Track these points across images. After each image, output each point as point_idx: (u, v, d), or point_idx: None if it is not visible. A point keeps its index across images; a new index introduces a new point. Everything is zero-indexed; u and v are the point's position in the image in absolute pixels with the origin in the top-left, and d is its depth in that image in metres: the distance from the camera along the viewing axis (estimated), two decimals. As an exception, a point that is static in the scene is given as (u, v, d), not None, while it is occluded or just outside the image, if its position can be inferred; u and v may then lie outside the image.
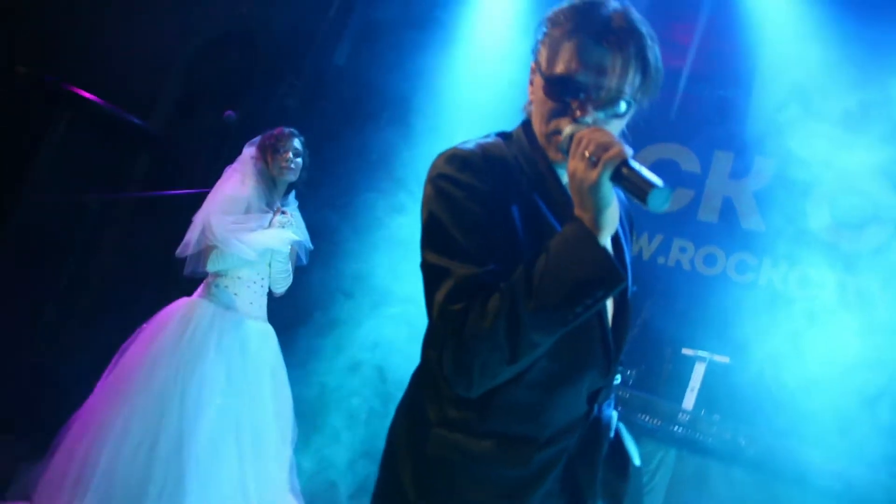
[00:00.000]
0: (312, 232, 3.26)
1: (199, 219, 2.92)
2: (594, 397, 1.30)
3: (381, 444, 1.35)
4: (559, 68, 1.24)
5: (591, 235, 1.14)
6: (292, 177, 3.05)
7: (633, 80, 1.24)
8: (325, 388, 3.92)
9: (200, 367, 2.71)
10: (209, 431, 2.64)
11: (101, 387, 2.86)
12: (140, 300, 3.20)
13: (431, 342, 1.27)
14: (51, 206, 3.55)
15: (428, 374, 1.30)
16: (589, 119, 1.22)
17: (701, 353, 3.18)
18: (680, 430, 3.13)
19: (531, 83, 1.34)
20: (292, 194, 3.16)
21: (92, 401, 2.84)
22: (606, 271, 1.12)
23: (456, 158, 1.25)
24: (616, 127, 1.28)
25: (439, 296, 1.17)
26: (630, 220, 1.48)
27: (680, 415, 3.15)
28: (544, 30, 1.31)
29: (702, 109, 3.86)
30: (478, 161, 1.24)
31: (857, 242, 3.47)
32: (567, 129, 1.19)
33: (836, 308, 3.46)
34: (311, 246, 3.22)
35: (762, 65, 3.75)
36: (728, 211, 3.76)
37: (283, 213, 3.00)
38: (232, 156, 3.17)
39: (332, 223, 3.91)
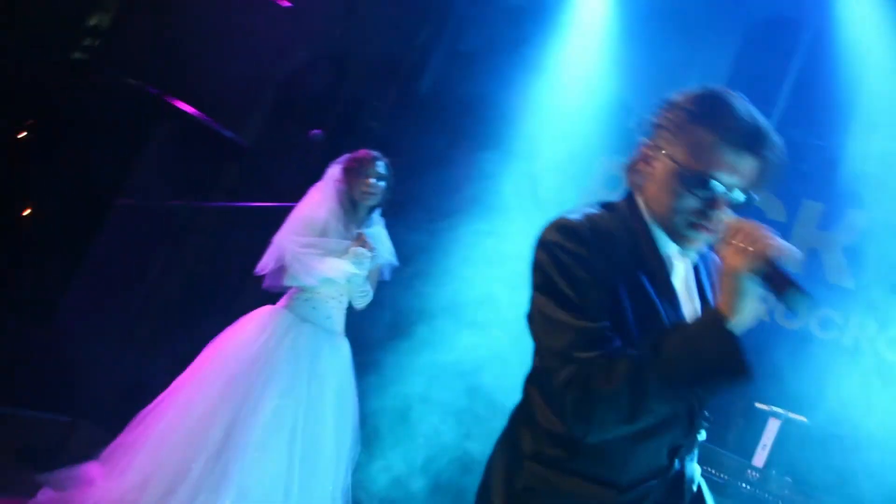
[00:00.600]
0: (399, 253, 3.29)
1: (277, 238, 3.01)
2: (675, 452, 1.39)
3: (456, 457, 1.42)
4: (699, 165, 1.33)
5: (727, 326, 1.22)
6: (374, 201, 3.08)
7: (759, 181, 1.36)
8: (407, 403, 3.97)
9: (268, 367, 2.78)
10: (262, 428, 2.68)
11: (176, 381, 2.99)
12: (221, 305, 3.33)
13: (536, 382, 1.40)
14: (143, 210, 3.77)
15: (528, 410, 1.41)
16: (719, 212, 1.32)
17: (777, 409, 3.04)
18: (748, 488, 2.99)
19: (647, 162, 1.41)
20: (376, 213, 3.17)
21: (165, 393, 2.97)
22: (735, 363, 1.21)
23: (565, 228, 1.34)
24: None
25: (559, 343, 1.28)
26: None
27: (749, 472, 3.02)
28: (668, 115, 1.39)
29: (791, 156, 3.69)
30: (585, 232, 1.33)
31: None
32: (726, 218, 1.30)
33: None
34: (396, 263, 3.24)
35: (859, 112, 3.59)
36: (814, 263, 3.60)
37: (364, 243, 2.99)
38: (316, 171, 3.27)
39: (416, 244, 3.96)
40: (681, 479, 1.41)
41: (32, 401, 3.67)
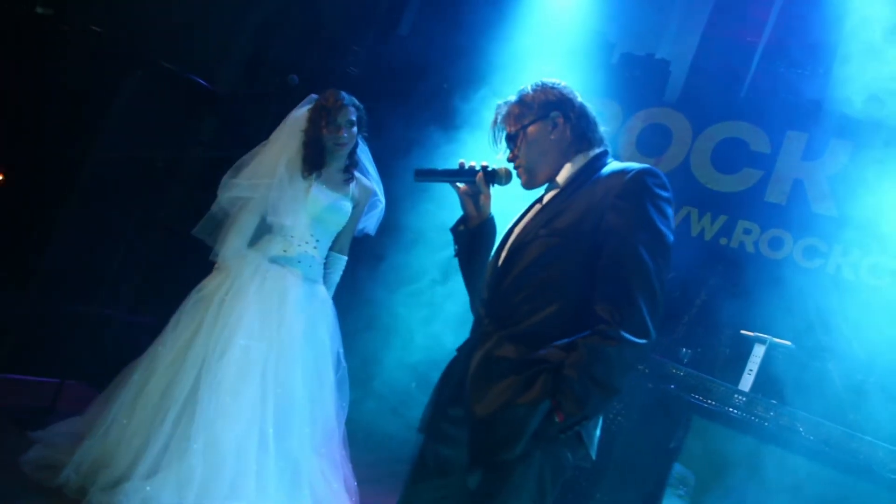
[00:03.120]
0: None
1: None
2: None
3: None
4: None
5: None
6: (346, 150, 2.92)
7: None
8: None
9: (236, 310, 2.73)
10: (231, 372, 2.66)
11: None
12: (206, 257, 3.28)
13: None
14: (118, 162, 3.67)
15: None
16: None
17: (761, 335, 3.09)
18: (736, 413, 3.06)
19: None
20: (359, 154, 3.05)
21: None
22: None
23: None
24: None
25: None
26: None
27: (736, 397, 3.08)
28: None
29: (775, 87, 3.69)
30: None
31: None
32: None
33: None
34: (381, 203, 3.17)
35: (844, 41, 3.56)
36: (798, 194, 3.62)
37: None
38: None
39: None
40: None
41: (19, 365, 3.63)
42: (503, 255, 1.81)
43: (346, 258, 3.08)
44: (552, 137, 1.85)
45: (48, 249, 3.78)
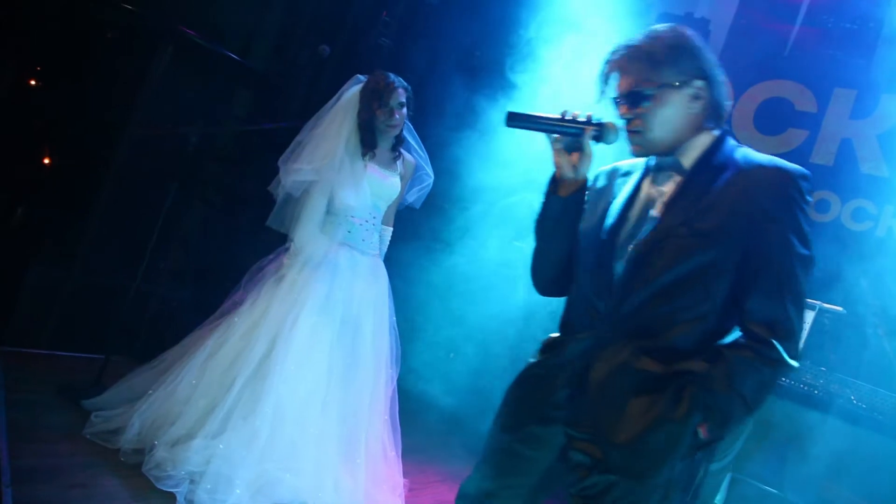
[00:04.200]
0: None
1: (285, 170, 2.96)
2: None
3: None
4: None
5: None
6: (397, 132, 3.05)
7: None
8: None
9: (306, 289, 2.86)
10: (300, 344, 2.79)
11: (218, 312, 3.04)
12: (244, 231, 3.31)
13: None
14: (153, 138, 3.69)
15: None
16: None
17: (811, 300, 3.01)
18: (784, 380, 3.00)
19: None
20: (406, 136, 3.16)
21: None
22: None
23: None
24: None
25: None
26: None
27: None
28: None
29: (822, 43, 3.54)
30: None
31: None
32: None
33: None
34: (430, 181, 3.28)
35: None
36: (846, 154, 3.48)
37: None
38: (328, 90, 3.17)
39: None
40: None
41: (64, 342, 3.70)
42: (625, 255, 1.61)
43: (391, 229, 3.21)
44: (690, 110, 1.62)
45: (89, 227, 3.84)
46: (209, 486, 2.50)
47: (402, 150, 3.15)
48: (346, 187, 2.92)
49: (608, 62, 1.65)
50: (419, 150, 3.25)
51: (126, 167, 3.79)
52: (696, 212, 1.55)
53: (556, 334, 1.74)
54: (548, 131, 1.65)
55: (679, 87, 1.59)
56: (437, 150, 4.12)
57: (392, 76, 2.99)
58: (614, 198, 1.71)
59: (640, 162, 1.75)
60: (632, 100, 1.61)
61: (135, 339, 3.74)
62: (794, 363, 1.51)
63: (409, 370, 3.31)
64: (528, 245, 4.15)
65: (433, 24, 4.38)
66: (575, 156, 1.67)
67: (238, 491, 2.51)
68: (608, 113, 1.64)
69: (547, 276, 1.83)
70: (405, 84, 3.02)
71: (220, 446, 2.57)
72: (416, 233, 4.13)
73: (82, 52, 3.84)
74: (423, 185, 3.30)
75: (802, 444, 3.24)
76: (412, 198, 3.30)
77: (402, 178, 3.15)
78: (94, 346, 3.62)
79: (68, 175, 3.94)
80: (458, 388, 4.23)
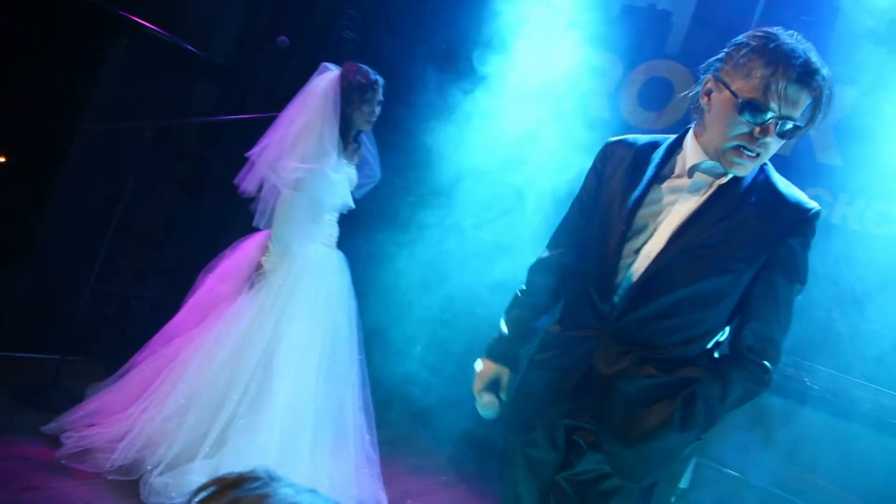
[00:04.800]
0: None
1: (264, 162, 2.88)
2: None
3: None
4: (754, 94, 1.50)
5: None
6: (370, 128, 3.04)
7: (809, 113, 1.54)
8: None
9: (292, 293, 2.82)
10: (294, 351, 2.75)
11: (187, 309, 2.96)
12: (206, 227, 3.24)
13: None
14: (109, 133, 3.58)
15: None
16: (769, 139, 1.52)
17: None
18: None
19: (707, 95, 1.61)
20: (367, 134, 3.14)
21: (178, 320, 2.96)
22: None
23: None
24: (778, 144, 1.57)
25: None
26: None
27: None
28: (731, 53, 1.58)
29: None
30: None
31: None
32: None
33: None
34: (378, 177, 3.26)
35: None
36: (803, 144, 3.56)
37: None
38: (291, 82, 3.10)
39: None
40: None
41: (19, 342, 3.59)
42: (639, 265, 1.61)
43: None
44: None
45: (43, 224, 3.72)
46: None
47: (360, 141, 3.12)
48: (333, 184, 2.90)
49: (808, 81, 1.49)
50: (370, 146, 3.21)
51: (81, 162, 3.68)
52: (716, 234, 1.57)
53: (557, 327, 1.76)
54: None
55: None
56: (406, 142, 4.12)
57: (374, 73, 2.97)
58: (628, 194, 1.65)
59: (659, 144, 1.71)
60: (789, 130, 1.53)
61: (94, 340, 3.65)
62: (770, 384, 1.66)
63: (371, 364, 3.29)
64: (490, 235, 4.18)
65: (398, 17, 4.34)
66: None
67: None
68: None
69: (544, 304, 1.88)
70: (383, 80, 3.01)
71: (215, 462, 2.52)
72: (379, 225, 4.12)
73: (33, 43, 3.70)
74: (370, 180, 3.24)
75: (761, 427, 3.32)
76: (356, 190, 3.20)
77: (357, 169, 3.13)
78: (49, 346, 3.52)
79: (21, 170, 3.81)
80: (422, 380, 4.23)
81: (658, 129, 1.58)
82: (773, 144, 1.54)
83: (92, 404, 2.87)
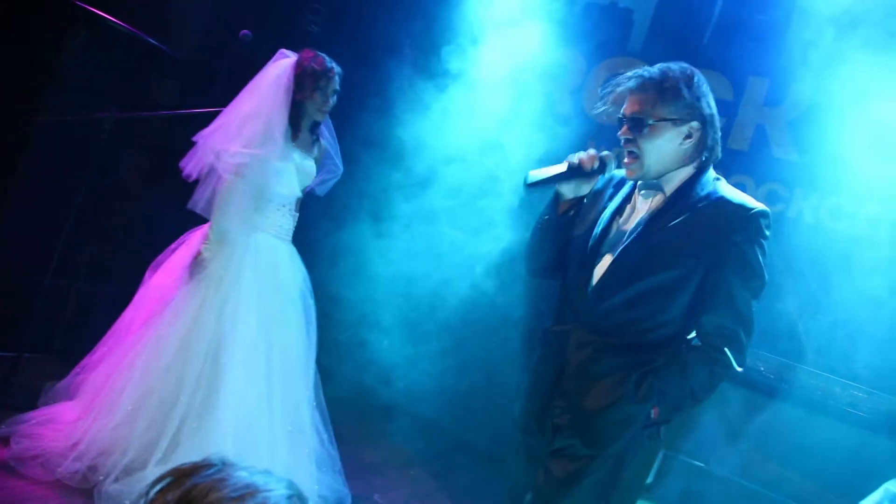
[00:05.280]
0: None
1: (210, 146, 2.79)
2: None
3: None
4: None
5: None
6: (325, 117, 2.96)
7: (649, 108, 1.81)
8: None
9: (236, 286, 2.72)
10: (242, 347, 2.67)
11: (134, 306, 2.89)
12: (167, 221, 3.18)
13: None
14: (66, 125, 3.50)
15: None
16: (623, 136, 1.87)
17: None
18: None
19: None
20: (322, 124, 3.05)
21: (126, 319, 2.87)
22: None
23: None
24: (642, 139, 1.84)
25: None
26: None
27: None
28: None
29: (738, 33, 3.69)
30: None
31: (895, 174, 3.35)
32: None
33: (868, 242, 3.38)
34: (340, 171, 3.19)
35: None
36: (760, 139, 3.65)
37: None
38: (247, 78, 3.06)
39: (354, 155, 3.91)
40: None
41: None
42: (603, 263, 1.85)
43: (297, 214, 3.07)
44: (681, 146, 1.83)
45: (-2, 220, 3.63)
46: None
47: (318, 134, 3.03)
48: (279, 175, 2.81)
49: (622, 84, 1.85)
50: (331, 139, 3.14)
51: (38, 156, 3.60)
52: (669, 233, 1.79)
53: (551, 324, 1.98)
54: (564, 182, 1.91)
55: (673, 124, 1.79)
56: (373, 134, 4.12)
57: (330, 61, 2.88)
58: (606, 205, 1.94)
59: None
60: (633, 124, 1.82)
61: (51, 337, 3.58)
62: (739, 368, 1.80)
63: (334, 357, 3.28)
64: (458, 233, 4.20)
65: (363, 11, 4.33)
66: (584, 186, 1.95)
67: None
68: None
69: (536, 266, 2.10)
70: (340, 70, 2.92)
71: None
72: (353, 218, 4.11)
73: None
74: (332, 175, 3.18)
75: (722, 417, 3.38)
76: (318, 185, 3.17)
77: (316, 163, 3.03)
78: (5, 343, 3.43)
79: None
80: (387, 376, 4.23)
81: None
82: (639, 140, 1.82)
83: (44, 413, 2.80)
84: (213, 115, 2.93)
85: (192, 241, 2.90)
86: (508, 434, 2.06)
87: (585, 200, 1.99)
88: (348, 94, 3.20)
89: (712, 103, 1.85)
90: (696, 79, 1.83)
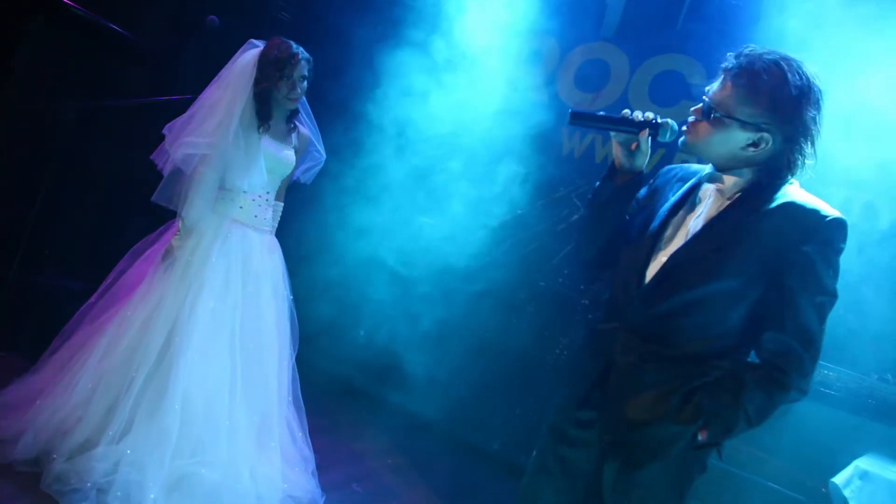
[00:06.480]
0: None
1: (171, 140, 2.75)
2: None
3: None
4: None
5: None
6: (296, 105, 2.88)
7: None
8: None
9: (201, 273, 2.69)
10: (200, 333, 2.64)
11: (103, 295, 2.85)
12: (136, 212, 3.11)
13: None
14: (27, 114, 3.39)
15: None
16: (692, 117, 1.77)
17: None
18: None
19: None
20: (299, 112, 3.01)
21: (99, 301, 2.84)
22: None
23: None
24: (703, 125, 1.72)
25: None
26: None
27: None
28: None
29: (710, 17, 3.69)
30: None
31: (866, 160, 3.37)
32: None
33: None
34: (323, 159, 3.17)
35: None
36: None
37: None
38: (223, 63, 3.00)
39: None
40: None
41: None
42: (657, 262, 1.71)
43: (283, 204, 3.07)
44: (743, 151, 1.66)
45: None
46: (119, 494, 2.34)
47: (296, 123, 2.99)
48: (240, 162, 2.76)
49: (725, 65, 1.69)
50: (312, 126, 3.11)
51: None
52: (730, 238, 1.62)
53: (599, 321, 1.85)
54: (607, 130, 1.76)
55: (745, 128, 1.63)
56: (344, 119, 4.07)
57: (295, 46, 2.82)
58: (665, 201, 1.79)
59: (698, 171, 1.82)
60: (705, 107, 1.68)
61: (19, 334, 3.48)
62: (800, 395, 1.62)
63: (310, 348, 3.25)
64: (434, 220, 4.18)
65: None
66: (633, 150, 1.76)
67: (152, 495, 2.37)
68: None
69: (591, 253, 1.92)
70: (308, 55, 2.85)
71: (128, 451, 2.42)
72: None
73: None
74: (315, 162, 3.16)
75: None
76: (303, 174, 3.16)
77: (296, 152, 2.99)
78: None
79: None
80: (362, 365, 4.21)
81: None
82: (702, 123, 1.69)
83: (3, 397, 2.75)
84: (181, 103, 2.88)
85: (171, 231, 2.88)
86: (520, 433, 1.96)
87: (644, 190, 1.86)
88: (323, 74, 3.14)
89: (813, 120, 1.63)
90: (808, 89, 1.62)
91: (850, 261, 3.13)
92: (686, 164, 1.90)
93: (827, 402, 3.26)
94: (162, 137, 2.80)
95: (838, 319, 3.14)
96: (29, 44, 3.38)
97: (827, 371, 3.31)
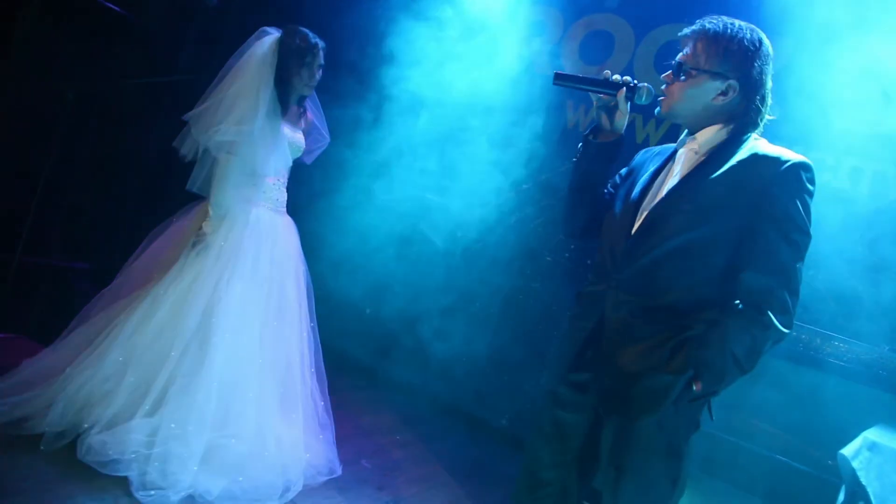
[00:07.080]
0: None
1: (197, 130, 2.81)
2: None
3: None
4: None
5: None
6: (312, 91, 3.00)
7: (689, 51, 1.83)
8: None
9: (233, 257, 2.79)
10: (233, 312, 2.74)
11: (127, 275, 2.90)
12: (141, 197, 3.11)
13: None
14: (27, 95, 3.38)
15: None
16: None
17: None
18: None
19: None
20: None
21: (123, 279, 2.90)
22: None
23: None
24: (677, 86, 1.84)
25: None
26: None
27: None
28: None
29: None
30: None
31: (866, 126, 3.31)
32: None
33: (849, 195, 3.37)
34: (327, 141, 3.25)
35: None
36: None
37: None
38: (221, 43, 2.98)
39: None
40: None
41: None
42: (639, 220, 1.81)
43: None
44: (713, 101, 1.80)
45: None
46: (159, 465, 2.42)
47: (305, 106, 3.10)
48: (267, 147, 2.86)
49: (689, 29, 1.82)
50: (316, 110, 3.20)
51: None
52: (700, 190, 1.73)
53: (585, 286, 1.94)
54: (587, 90, 1.88)
55: (710, 77, 1.75)
56: (349, 101, 4.03)
57: (314, 37, 2.94)
58: (645, 172, 1.92)
59: (672, 145, 1.95)
60: (675, 69, 1.81)
61: (27, 315, 3.51)
62: (784, 329, 1.67)
63: (323, 327, 3.26)
64: (438, 198, 4.15)
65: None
66: (614, 111, 1.89)
67: (195, 467, 2.46)
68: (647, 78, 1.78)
69: (575, 224, 2.04)
70: (324, 44, 2.97)
71: (172, 425, 2.51)
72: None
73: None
74: (318, 145, 3.24)
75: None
76: (306, 155, 3.22)
77: (304, 134, 3.11)
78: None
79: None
80: (371, 344, 4.22)
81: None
82: (675, 84, 1.81)
83: (27, 370, 2.79)
84: (185, 85, 2.89)
85: (192, 214, 2.97)
86: (527, 409, 2.00)
87: (626, 171, 1.98)
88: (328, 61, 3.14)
89: (766, 74, 1.79)
90: (759, 44, 1.78)
91: (859, 232, 3.11)
92: (661, 146, 2.02)
93: (838, 374, 3.24)
94: (174, 121, 2.84)
95: (849, 290, 3.13)
96: (26, 26, 3.35)
97: (838, 342, 3.28)
